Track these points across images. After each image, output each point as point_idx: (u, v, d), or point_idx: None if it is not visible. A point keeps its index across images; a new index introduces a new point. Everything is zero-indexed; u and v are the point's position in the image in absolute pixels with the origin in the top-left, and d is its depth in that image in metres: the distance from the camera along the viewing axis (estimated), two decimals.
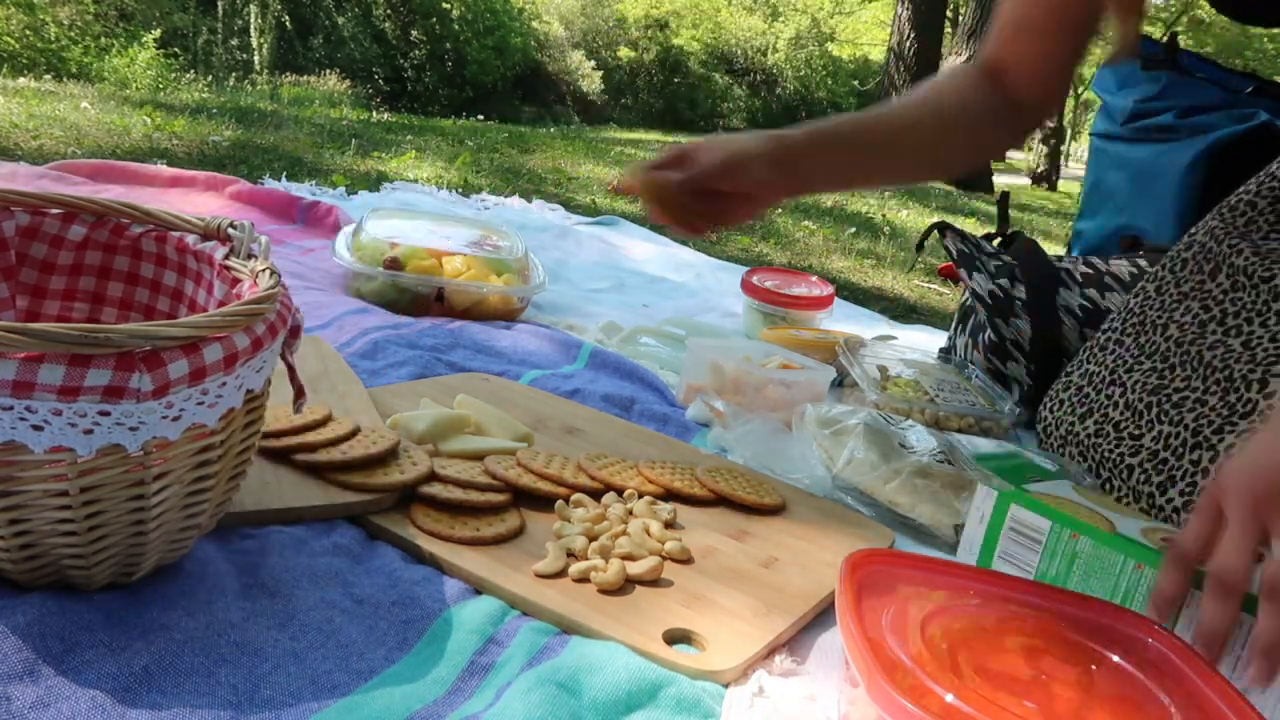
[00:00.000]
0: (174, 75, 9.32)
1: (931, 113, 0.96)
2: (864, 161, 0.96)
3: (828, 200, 3.76)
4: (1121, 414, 0.91)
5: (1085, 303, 1.17)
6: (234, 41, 11.49)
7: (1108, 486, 0.91)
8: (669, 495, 0.78)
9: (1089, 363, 1.00)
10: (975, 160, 1.03)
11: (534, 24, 15.05)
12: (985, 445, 0.93)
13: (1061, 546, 0.67)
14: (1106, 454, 0.91)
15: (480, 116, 6.45)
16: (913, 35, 7.76)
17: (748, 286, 1.43)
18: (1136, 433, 0.89)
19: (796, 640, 0.64)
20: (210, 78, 9.84)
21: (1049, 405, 1.04)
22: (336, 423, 0.74)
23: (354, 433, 0.73)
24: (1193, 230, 0.99)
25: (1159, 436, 0.86)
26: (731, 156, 0.87)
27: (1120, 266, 1.19)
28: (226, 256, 0.62)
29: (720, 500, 0.79)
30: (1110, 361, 0.97)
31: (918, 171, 1.08)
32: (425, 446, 0.77)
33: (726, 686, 0.57)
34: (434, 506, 0.70)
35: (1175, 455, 0.84)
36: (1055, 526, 0.67)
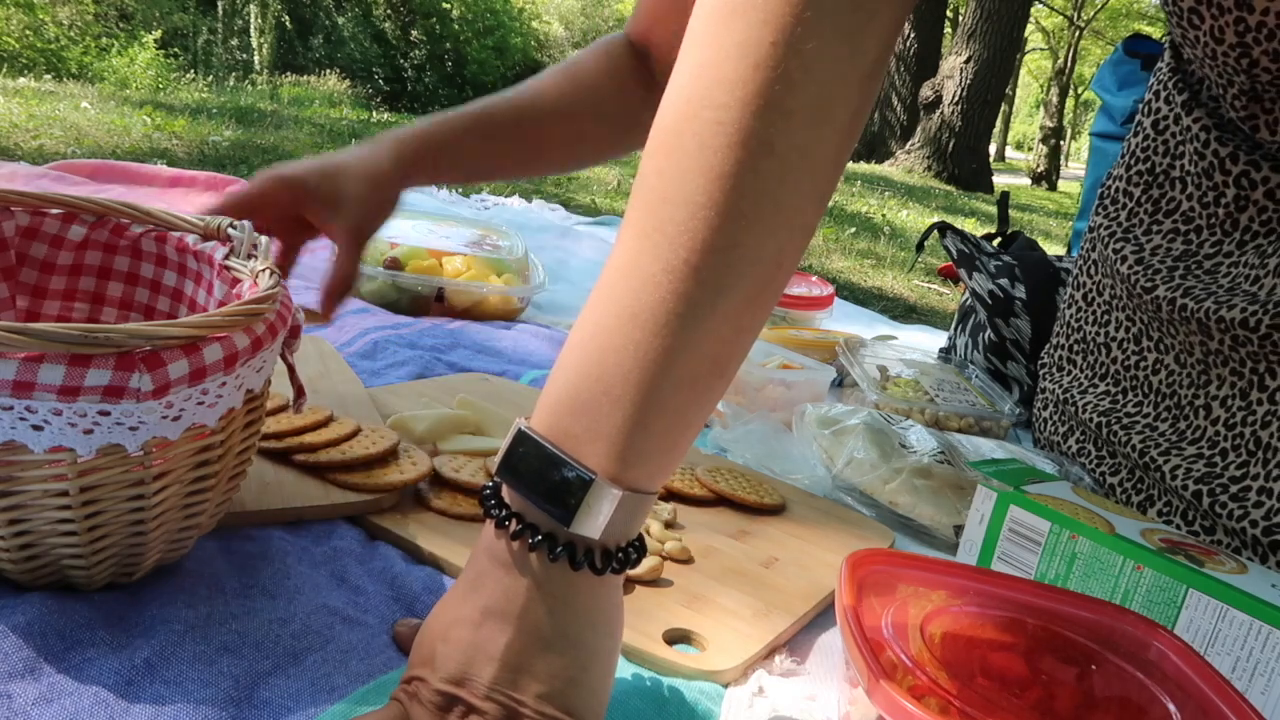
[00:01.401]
0: (174, 75, 9.32)
1: (570, 83, 0.85)
2: (506, 154, 0.85)
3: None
4: (1090, 435, 0.91)
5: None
6: (234, 41, 11.49)
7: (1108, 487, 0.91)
8: (669, 495, 0.78)
9: (1047, 379, 0.99)
10: (624, 142, 0.90)
11: (534, 24, 15.06)
12: (985, 447, 0.93)
13: (1061, 547, 0.67)
14: (1091, 469, 0.90)
15: None
16: (913, 35, 7.77)
17: None
18: (1100, 454, 0.89)
19: (796, 640, 0.64)
20: (210, 78, 9.84)
21: (1036, 423, 1.03)
22: (338, 423, 0.74)
23: (354, 433, 0.73)
24: (1091, 223, 0.96)
25: (1133, 451, 0.86)
26: (334, 190, 0.75)
27: None
28: (226, 256, 0.62)
29: (720, 500, 0.79)
30: (1066, 382, 0.96)
31: (565, 153, 0.90)
32: (425, 446, 0.77)
33: (726, 686, 0.57)
34: (449, 489, 0.71)
35: (1130, 472, 0.85)
36: (1055, 527, 0.67)
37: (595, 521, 0.41)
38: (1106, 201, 0.92)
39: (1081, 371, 0.93)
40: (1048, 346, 1.01)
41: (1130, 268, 0.85)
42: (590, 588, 0.43)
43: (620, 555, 0.43)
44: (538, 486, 0.42)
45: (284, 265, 0.76)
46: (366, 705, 0.49)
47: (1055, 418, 0.97)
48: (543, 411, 0.43)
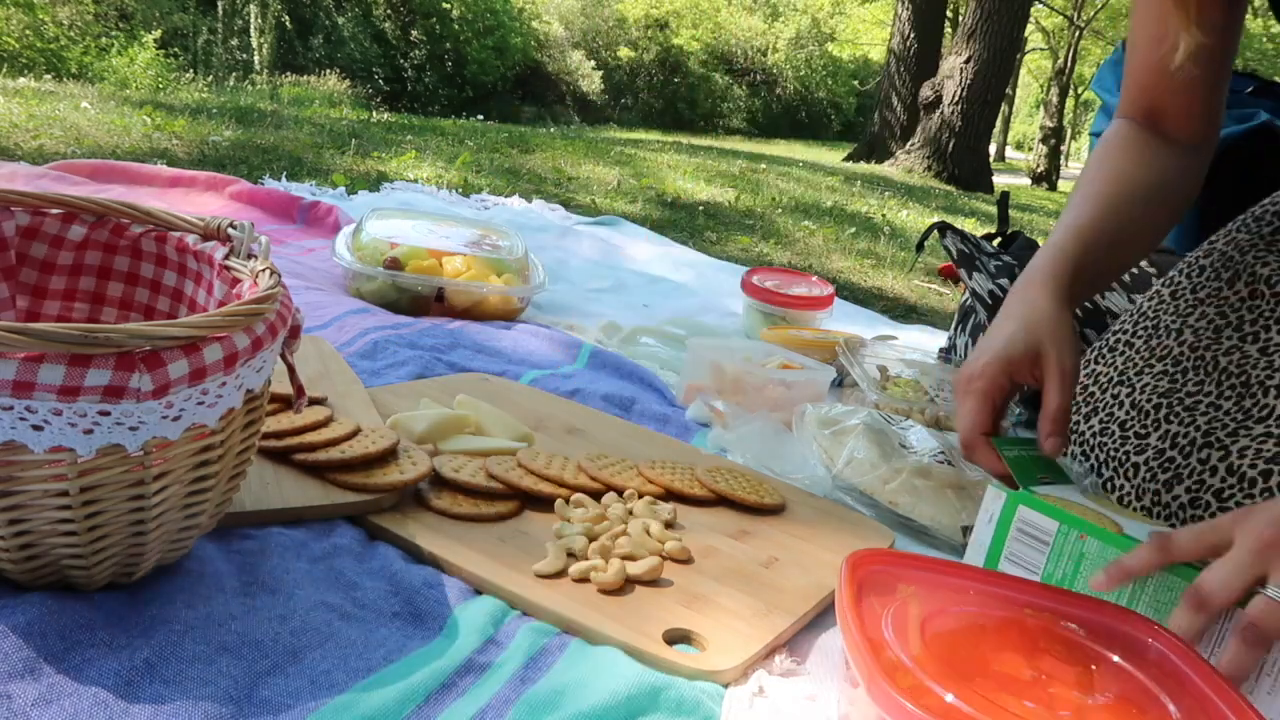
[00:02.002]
0: (174, 75, 9.33)
1: (1141, 191, 0.89)
2: (1123, 266, 0.91)
3: (828, 200, 3.76)
4: (1128, 414, 0.91)
5: (1085, 302, 1.17)
6: (234, 41, 11.49)
7: (1109, 485, 0.91)
8: (669, 495, 0.78)
9: (1097, 364, 1.00)
10: (1188, 198, 0.95)
11: (534, 24, 15.06)
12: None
13: (1069, 548, 0.67)
14: (1111, 452, 0.91)
15: (480, 116, 6.45)
16: (913, 35, 7.77)
17: (748, 286, 1.43)
18: (1143, 432, 0.89)
19: (796, 640, 0.64)
20: (210, 78, 9.85)
21: None
22: (338, 423, 0.74)
23: (354, 433, 0.73)
24: (1213, 238, 0.99)
25: (1166, 435, 0.86)
26: (1037, 345, 0.76)
27: None
28: (226, 256, 0.62)
29: (720, 500, 0.79)
30: (1120, 363, 0.96)
31: (1153, 239, 0.95)
32: (425, 446, 0.78)
33: (726, 686, 0.57)
34: (449, 489, 0.72)
35: (1183, 454, 0.84)
36: (1063, 528, 0.67)
37: None
38: (1251, 220, 0.94)
39: (1138, 353, 0.93)
40: (1105, 333, 1.02)
41: (1272, 270, 0.87)
42: None
43: None
44: None
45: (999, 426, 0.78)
46: (363, 703, 0.49)
47: (1079, 399, 0.98)
48: None
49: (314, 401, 0.80)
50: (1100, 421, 0.93)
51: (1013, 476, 0.69)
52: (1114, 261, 0.87)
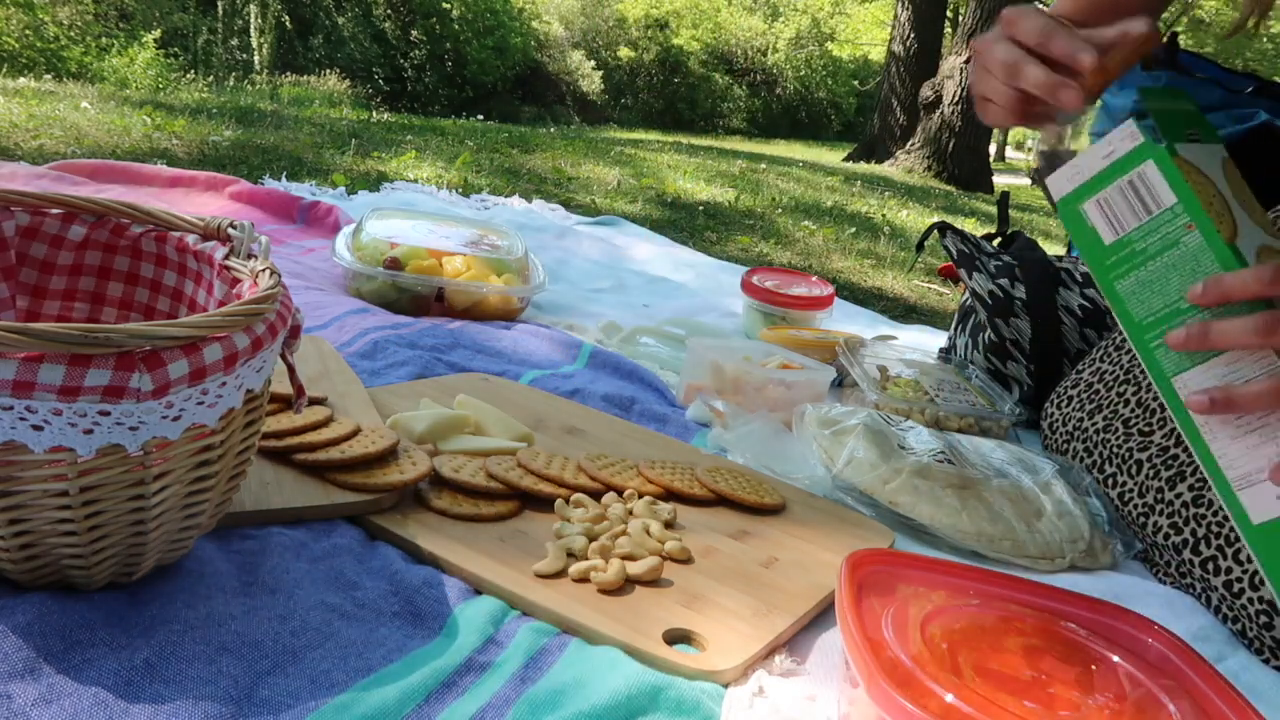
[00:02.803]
0: (174, 75, 9.33)
1: None
2: None
3: (828, 200, 3.76)
4: (1133, 411, 0.91)
5: (1085, 303, 1.17)
6: (234, 41, 11.49)
7: (1113, 481, 0.91)
8: (669, 495, 0.78)
9: (1102, 361, 1.00)
10: None
11: (534, 24, 15.06)
12: (985, 447, 0.93)
13: (1170, 228, 0.59)
14: (1115, 449, 0.91)
15: (480, 116, 6.45)
16: (913, 35, 7.76)
17: (748, 286, 1.43)
18: (1147, 429, 0.89)
19: (796, 640, 0.64)
20: (210, 78, 9.85)
21: (1055, 401, 1.04)
22: (337, 423, 0.74)
23: (354, 433, 0.73)
24: None
25: (1170, 434, 0.86)
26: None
27: None
28: (226, 256, 0.62)
29: (720, 500, 0.79)
30: (1125, 361, 0.97)
31: None
32: (425, 446, 0.78)
33: (726, 686, 0.57)
34: (449, 489, 0.71)
35: (1187, 451, 0.84)
36: (1177, 206, 0.58)
37: None
38: None
39: None
40: (1110, 331, 1.02)
41: None
42: None
43: None
44: None
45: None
46: (363, 702, 0.49)
47: (1083, 395, 0.98)
48: None
49: (314, 401, 0.80)
50: (1104, 418, 0.94)
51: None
52: None
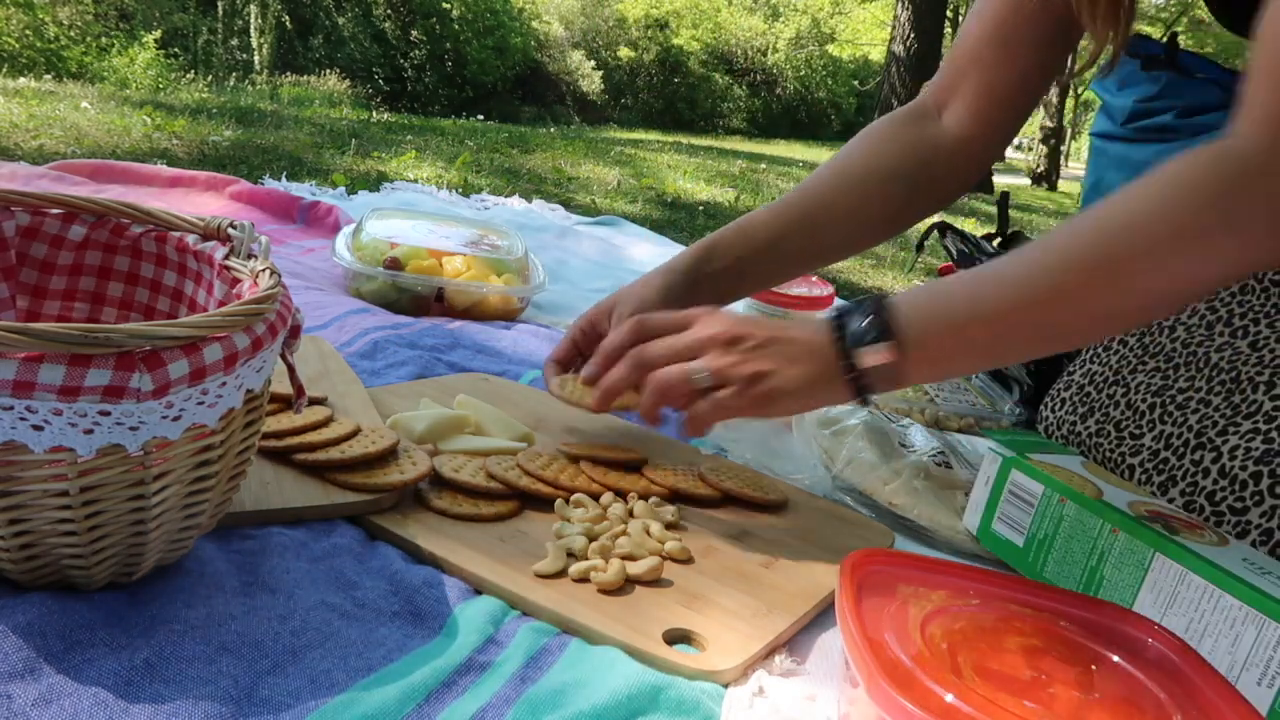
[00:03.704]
0: (174, 75, 9.33)
1: (844, 182, 0.93)
2: (791, 261, 0.94)
3: None
4: (1123, 414, 0.91)
5: None
6: (234, 41, 11.50)
7: None
8: (674, 496, 0.78)
9: (1091, 362, 1.00)
10: (917, 215, 1.00)
11: (534, 24, 15.06)
12: (985, 446, 0.93)
13: (1050, 509, 0.72)
14: (1108, 453, 0.91)
15: (480, 116, 6.45)
16: (913, 36, 7.77)
17: None
18: (1137, 432, 0.89)
19: (796, 640, 0.64)
20: (210, 78, 9.85)
21: (1049, 405, 1.04)
22: (337, 423, 0.74)
23: (354, 433, 0.73)
24: None
25: (1160, 436, 0.86)
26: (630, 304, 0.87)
27: None
28: (226, 256, 0.62)
29: (725, 499, 0.79)
30: (1114, 361, 0.96)
31: (856, 244, 1.01)
32: (425, 446, 0.77)
33: (726, 686, 0.57)
34: (449, 489, 0.72)
35: (1176, 455, 0.84)
36: (1047, 491, 0.72)
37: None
38: None
39: (1131, 351, 0.93)
40: None
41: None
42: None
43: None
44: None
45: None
46: (363, 701, 0.49)
47: (1075, 398, 0.98)
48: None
49: (314, 401, 0.80)
50: (1096, 422, 0.93)
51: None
52: (786, 242, 0.91)
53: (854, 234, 0.95)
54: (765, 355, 0.69)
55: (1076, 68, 0.96)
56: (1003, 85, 0.92)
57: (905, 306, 0.68)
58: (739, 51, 17.58)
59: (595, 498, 0.75)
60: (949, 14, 10.01)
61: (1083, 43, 0.90)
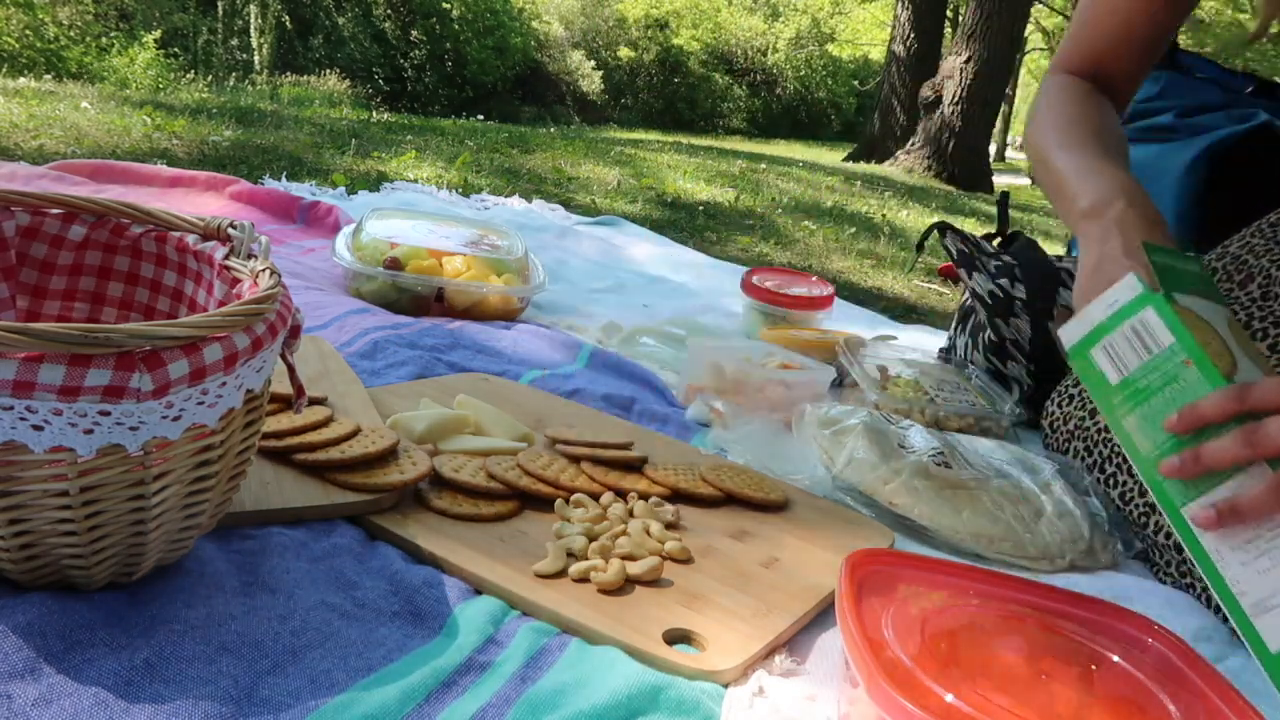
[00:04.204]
0: (174, 75, 9.33)
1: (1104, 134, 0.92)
2: None
3: (828, 200, 3.76)
4: None
5: None
6: (234, 41, 11.49)
7: (1113, 481, 0.91)
8: (675, 496, 0.78)
9: None
10: None
11: (534, 24, 15.06)
12: (985, 447, 0.93)
13: (1168, 365, 0.62)
14: (1116, 448, 0.91)
15: (480, 116, 6.45)
16: (913, 36, 7.76)
17: (748, 286, 1.43)
18: None
19: (796, 640, 0.64)
20: (210, 78, 9.85)
21: (1056, 400, 1.04)
22: (337, 423, 0.74)
23: (354, 433, 0.73)
24: (1226, 242, 0.99)
25: None
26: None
27: None
28: (226, 256, 0.62)
29: (726, 499, 0.79)
30: None
31: None
32: (425, 446, 0.77)
33: (726, 686, 0.57)
34: (449, 489, 0.72)
35: None
36: (1175, 345, 0.62)
37: None
38: (1266, 226, 0.96)
39: None
40: None
41: None
42: None
43: None
44: None
45: None
46: (363, 701, 0.49)
47: (1083, 394, 0.98)
48: None
49: (314, 401, 0.80)
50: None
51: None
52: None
53: None
54: None
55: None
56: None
57: None
58: (739, 51, 17.57)
59: (595, 497, 0.75)
60: (949, 14, 10.01)
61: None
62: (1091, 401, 0.97)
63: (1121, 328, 0.65)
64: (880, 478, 0.85)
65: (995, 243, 1.34)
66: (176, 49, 10.23)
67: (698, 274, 1.82)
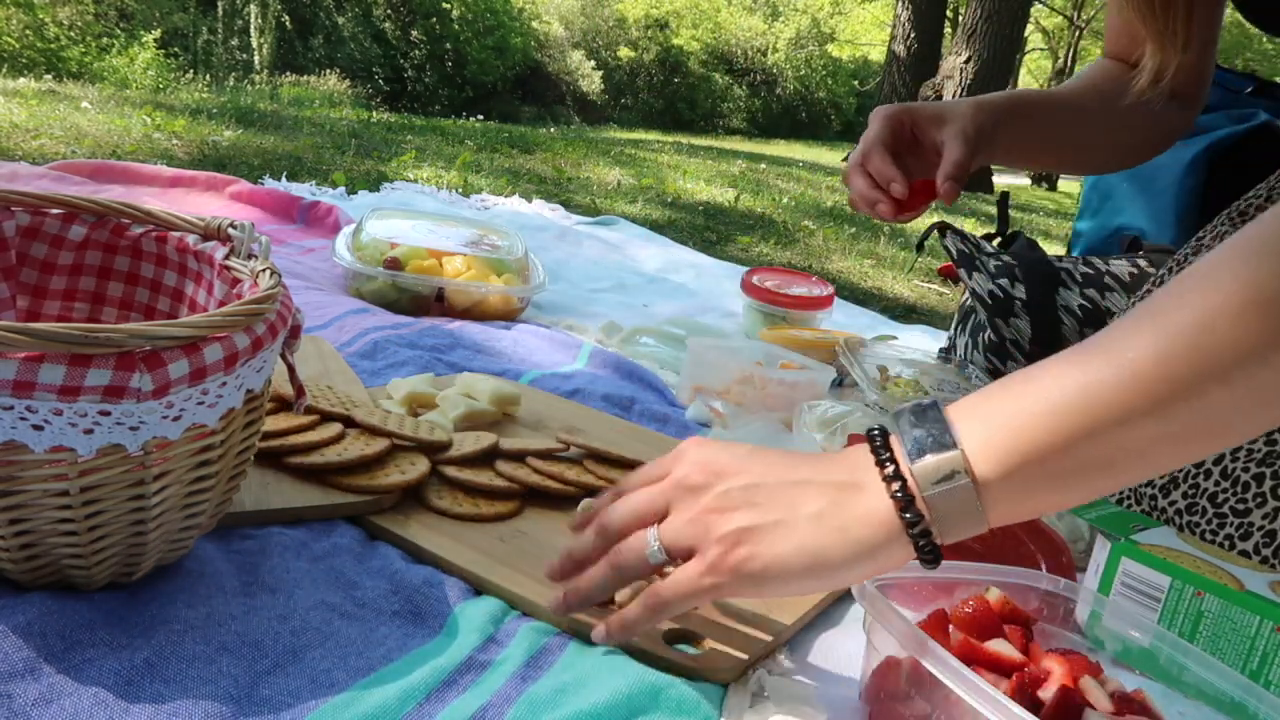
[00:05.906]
0: (174, 75, 9.33)
1: (1095, 97, 0.96)
2: (1051, 140, 0.97)
3: (828, 200, 3.76)
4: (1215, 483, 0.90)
5: (1085, 303, 1.17)
6: (234, 41, 11.49)
7: None
8: None
9: None
10: (1155, 145, 1.02)
11: (534, 24, 15.06)
12: None
13: (1184, 605, 0.61)
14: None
15: (480, 116, 6.45)
16: (913, 36, 7.76)
17: (748, 286, 1.43)
18: (1242, 508, 0.87)
19: (796, 640, 0.64)
20: (210, 78, 9.84)
21: None
22: (324, 424, 0.74)
23: (341, 435, 0.73)
24: (1200, 234, 0.98)
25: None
26: (940, 110, 0.89)
27: (1120, 266, 1.19)
28: (226, 256, 0.62)
29: None
30: None
31: (1102, 155, 1.05)
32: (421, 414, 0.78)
33: (726, 686, 0.57)
34: (450, 489, 0.72)
35: None
36: (1176, 583, 0.61)
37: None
38: (1235, 215, 0.95)
39: None
40: None
41: None
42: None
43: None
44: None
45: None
46: (363, 701, 0.49)
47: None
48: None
49: (330, 417, 0.77)
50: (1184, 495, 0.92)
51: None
52: (1045, 124, 0.94)
53: (1110, 142, 0.98)
54: (757, 501, 0.49)
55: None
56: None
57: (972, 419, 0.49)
58: (739, 51, 17.57)
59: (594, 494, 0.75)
60: (949, 14, 10.01)
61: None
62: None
63: (1116, 586, 0.64)
64: None
65: (995, 243, 1.34)
66: (176, 49, 10.23)
67: (698, 274, 1.82)
